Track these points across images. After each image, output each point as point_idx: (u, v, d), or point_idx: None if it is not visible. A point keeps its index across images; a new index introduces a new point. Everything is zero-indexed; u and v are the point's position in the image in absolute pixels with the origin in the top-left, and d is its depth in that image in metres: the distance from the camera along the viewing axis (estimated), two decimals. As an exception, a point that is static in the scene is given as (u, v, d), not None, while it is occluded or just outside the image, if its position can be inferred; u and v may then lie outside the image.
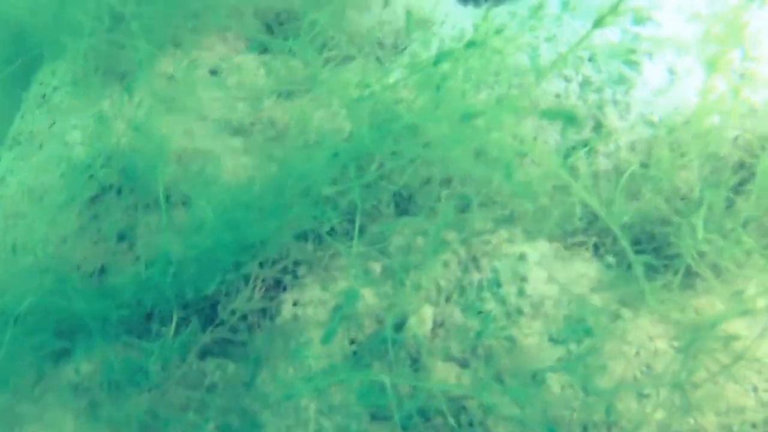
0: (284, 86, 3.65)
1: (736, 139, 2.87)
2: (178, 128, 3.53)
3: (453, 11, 3.95)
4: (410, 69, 2.92)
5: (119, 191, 3.45)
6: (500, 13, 3.73)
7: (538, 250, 2.68)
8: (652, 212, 2.72)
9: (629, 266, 2.68)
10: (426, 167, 2.87)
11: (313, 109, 3.32)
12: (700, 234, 2.49)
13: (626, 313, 2.55)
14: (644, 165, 2.84)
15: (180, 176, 3.37)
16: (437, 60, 2.58)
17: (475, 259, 2.67)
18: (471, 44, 2.59)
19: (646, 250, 2.70)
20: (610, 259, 2.73)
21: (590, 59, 3.19)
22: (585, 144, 2.92)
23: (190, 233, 3.03)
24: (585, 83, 3.10)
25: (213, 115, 3.55)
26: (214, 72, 3.83)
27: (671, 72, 3.07)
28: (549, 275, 2.60)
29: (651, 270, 2.66)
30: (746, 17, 3.13)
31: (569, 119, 2.18)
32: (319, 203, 2.76)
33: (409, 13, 3.63)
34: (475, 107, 2.62)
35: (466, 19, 3.79)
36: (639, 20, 3.29)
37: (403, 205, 2.87)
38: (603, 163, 2.88)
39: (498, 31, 2.69)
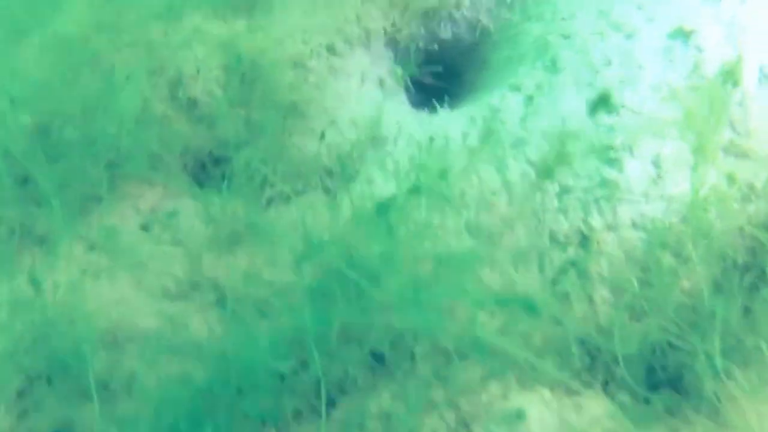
0: (225, 236, 3.62)
1: (741, 230, 2.86)
2: (109, 299, 3.47)
3: (406, 121, 3.97)
4: (355, 219, 2.91)
5: (50, 381, 3.36)
6: (457, 120, 3.76)
7: (537, 401, 2.62)
8: (660, 334, 2.69)
9: (647, 400, 2.63)
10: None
11: (258, 264, 3.29)
12: (719, 363, 2.45)
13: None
14: (643, 280, 2.82)
15: (117, 358, 3.30)
16: (379, 210, 2.56)
17: (465, 424, 2.61)
18: (415, 190, 2.58)
19: (662, 380, 2.65)
20: (624, 396, 2.67)
21: (564, 163, 3.19)
22: (573, 263, 2.90)
23: (133, 427, 2.96)
24: (563, 192, 3.10)
25: (148, 280, 3.50)
26: (144, 227, 3.79)
27: (656, 164, 3.08)
28: (556, 430, 2.54)
29: (672, 401, 2.62)
30: (727, 90, 3.16)
31: (530, 309, 2.14)
32: (277, 383, 2.70)
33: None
34: (439, 253, 2.60)
35: (422, 130, 3.80)
36: (610, 109, 3.32)
37: (376, 368, 2.81)
38: (597, 283, 2.85)
39: (443, 175, 2.69)
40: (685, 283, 2.76)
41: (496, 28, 4.34)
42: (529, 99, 3.60)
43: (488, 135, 3.26)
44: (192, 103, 4.04)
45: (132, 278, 3.49)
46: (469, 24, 4.44)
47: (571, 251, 2.95)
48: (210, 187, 3.84)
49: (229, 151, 3.83)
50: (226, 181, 3.74)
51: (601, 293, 2.84)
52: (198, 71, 4.09)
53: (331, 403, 2.74)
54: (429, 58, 4.37)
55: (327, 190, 3.72)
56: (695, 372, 2.58)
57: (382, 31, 4.33)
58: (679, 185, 3.02)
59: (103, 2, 4.41)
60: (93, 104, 4.01)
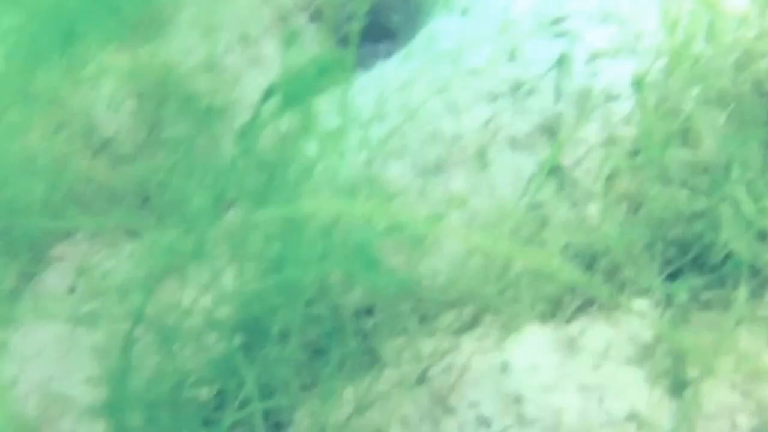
0: (161, 271, 2.99)
1: (738, 64, 2.10)
2: (35, 381, 2.88)
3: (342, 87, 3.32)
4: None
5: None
6: (393, 63, 3.12)
7: (526, 344, 1.88)
8: (671, 211, 1.94)
9: (669, 298, 1.88)
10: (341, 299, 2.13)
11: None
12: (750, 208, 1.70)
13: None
14: (634, 153, 2.09)
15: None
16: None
17: (441, 399, 1.88)
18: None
19: (684, 266, 1.90)
20: (640, 302, 1.91)
21: (511, 58, 2.50)
22: (542, 166, 2.18)
23: None
24: (515, 88, 2.40)
25: (76, 347, 2.89)
26: (72, 289, 3.23)
27: (620, 22, 2.37)
28: (556, 374, 1.79)
29: (701, 285, 1.87)
30: None
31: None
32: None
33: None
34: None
35: (358, 88, 3.16)
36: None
37: (325, 365, 2.11)
38: (576, 179, 2.13)
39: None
40: (690, 143, 2.01)
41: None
42: (464, 11, 2.92)
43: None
44: (109, 143, 3.48)
45: (58, 351, 2.89)
46: (394, -27, 3.79)
47: (539, 153, 2.23)
48: (146, 223, 3.26)
49: (159, 179, 3.25)
50: (159, 212, 3.15)
51: (585, 188, 2.11)
52: (108, 108, 3.54)
53: (280, 425, 2.04)
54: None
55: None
56: (723, 240, 1.82)
57: (296, 6, 3.69)
58: (653, 35, 2.29)
59: (7, 78, 3.92)
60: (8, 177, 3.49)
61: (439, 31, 3.00)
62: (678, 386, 1.70)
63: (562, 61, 2.32)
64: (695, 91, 2.07)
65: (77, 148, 3.53)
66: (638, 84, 2.04)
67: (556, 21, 2.45)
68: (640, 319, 1.83)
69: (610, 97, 2.22)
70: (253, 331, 2.25)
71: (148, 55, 3.67)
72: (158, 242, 3.11)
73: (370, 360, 1.99)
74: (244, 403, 2.08)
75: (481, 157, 2.32)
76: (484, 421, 1.79)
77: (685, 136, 2.00)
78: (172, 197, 3.25)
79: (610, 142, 2.14)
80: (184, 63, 3.59)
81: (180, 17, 3.76)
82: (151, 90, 3.59)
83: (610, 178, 2.06)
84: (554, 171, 2.14)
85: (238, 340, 2.24)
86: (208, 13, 3.71)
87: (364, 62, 3.60)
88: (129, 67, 3.69)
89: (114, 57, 3.77)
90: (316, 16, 3.80)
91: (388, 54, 3.56)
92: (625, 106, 2.19)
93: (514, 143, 2.29)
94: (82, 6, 3.90)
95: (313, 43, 3.70)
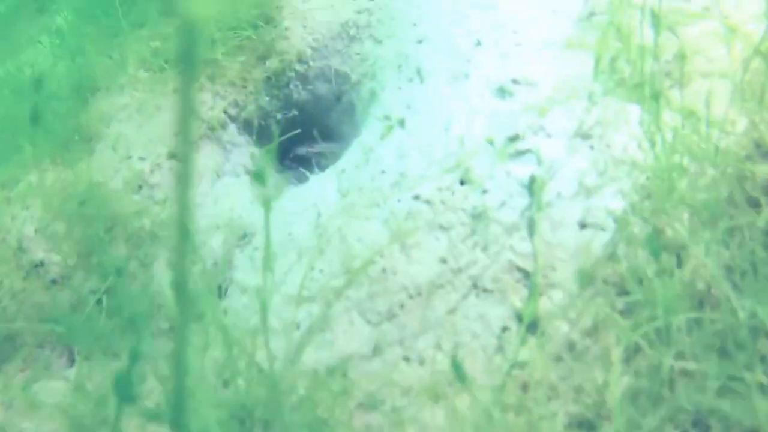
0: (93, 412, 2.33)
1: (727, 178, 1.55)
2: None
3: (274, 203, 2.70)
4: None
5: None
6: (328, 179, 2.51)
7: None
8: (684, 377, 1.36)
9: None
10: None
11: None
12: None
13: None
14: (624, 292, 1.50)
15: None
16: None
17: None
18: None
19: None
20: None
21: (463, 181, 1.91)
22: (518, 317, 1.58)
23: None
24: (473, 219, 1.81)
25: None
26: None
27: (584, 136, 1.80)
28: None
29: None
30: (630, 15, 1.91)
31: None
32: None
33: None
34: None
35: (292, 206, 2.54)
36: (502, 92, 2.06)
37: None
38: (560, 329, 1.53)
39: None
40: (688, 278, 1.43)
41: (352, 69, 3.06)
42: (401, 122, 2.33)
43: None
44: (39, 266, 2.86)
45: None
46: (322, 75, 3.18)
47: (511, 301, 1.63)
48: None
49: (88, 307, 2.64)
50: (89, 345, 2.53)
51: (570, 344, 1.51)
52: (36, 231, 2.92)
53: None
54: (294, 127, 3.11)
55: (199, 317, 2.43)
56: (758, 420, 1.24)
57: (227, 116, 3.07)
58: (626, 150, 1.72)
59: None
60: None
61: (375, 145, 2.40)
62: None
63: (532, 187, 1.73)
64: (685, 215, 1.50)
65: (10, 269, 2.90)
66: (621, 220, 1.46)
67: (512, 139, 1.87)
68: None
69: (588, 227, 1.64)
70: None
71: (75, 175, 3.05)
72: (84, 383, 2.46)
73: None
74: None
75: (440, 304, 1.71)
76: None
77: (688, 286, 1.42)
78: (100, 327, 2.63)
79: (593, 283, 1.55)
80: (112, 181, 2.97)
81: (108, 133, 3.13)
82: (78, 212, 2.96)
83: (598, 331, 1.47)
84: (535, 324, 1.55)
85: None
86: (136, 129, 3.08)
87: (296, 169, 3.01)
88: (56, 188, 3.06)
89: (42, 176, 3.14)
90: (245, 127, 3.19)
91: (321, 158, 2.98)
92: (605, 237, 1.61)
93: (479, 286, 1.69)
94: (13, 125, 3.32)
95: (243, 156, 3.08)
